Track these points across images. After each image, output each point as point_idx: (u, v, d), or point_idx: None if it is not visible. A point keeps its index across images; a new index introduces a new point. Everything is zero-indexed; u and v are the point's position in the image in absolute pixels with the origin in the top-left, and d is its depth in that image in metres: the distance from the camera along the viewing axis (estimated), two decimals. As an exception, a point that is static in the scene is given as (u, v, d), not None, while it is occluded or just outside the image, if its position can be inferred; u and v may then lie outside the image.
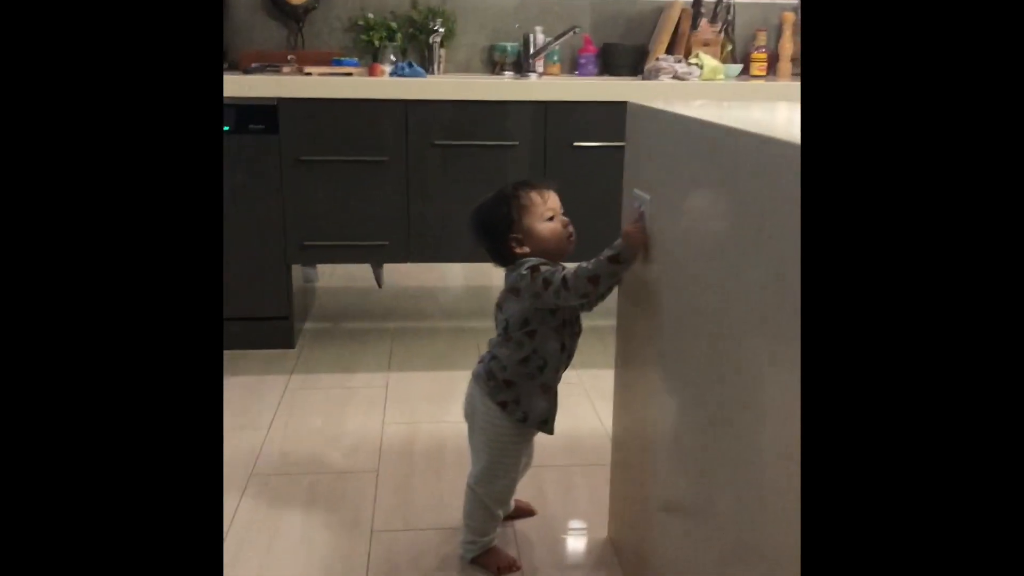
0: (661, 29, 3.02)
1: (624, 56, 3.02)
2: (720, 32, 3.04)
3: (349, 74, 2.60)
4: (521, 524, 1.74)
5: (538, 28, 2.96)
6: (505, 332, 1.50)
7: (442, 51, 2.97)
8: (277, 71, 2.62)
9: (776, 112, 1.36)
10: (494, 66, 3.06)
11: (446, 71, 3.03)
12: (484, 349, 1.58)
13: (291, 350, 2.69)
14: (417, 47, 3.02)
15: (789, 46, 3.07)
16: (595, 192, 2.47)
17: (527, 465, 1.67)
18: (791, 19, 3.10)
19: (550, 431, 1.55)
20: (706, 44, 3.00)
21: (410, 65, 2.68)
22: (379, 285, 3.20)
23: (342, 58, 2.82)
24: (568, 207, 1.54)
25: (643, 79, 2.86)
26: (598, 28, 3.09)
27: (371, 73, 2.68)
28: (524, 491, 1.79)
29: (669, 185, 1.29)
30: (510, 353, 1.49)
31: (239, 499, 1.81)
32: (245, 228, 2.55)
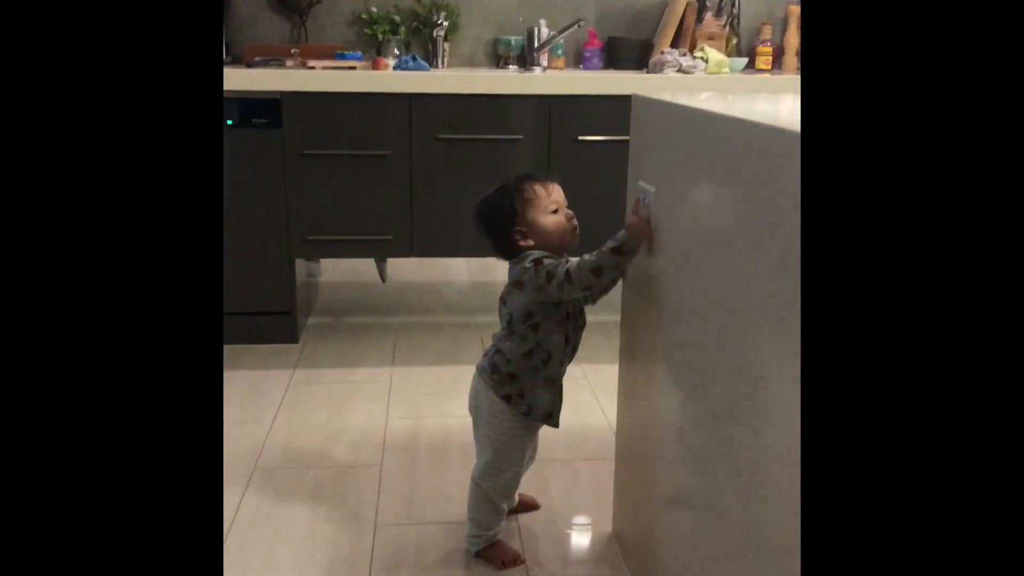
0: (666, 23, 3.01)
1: (629, 50, 3.01)
2: (725, 26, 3.02)
3: (353, 68, 2.59)
4: (525, 518, 1.74)
5: (542, 21, 2.95)
6: (509, 326, 1.49)
7: (446, 45, 2.96)
8: (281, 65, 2.62)
9: (781, 104, 1.35)
10: (498, 60, 3.06)
11: (450, 65, 3.02)
12: (488, 343, 1.57)
13: (294, 345, 2.68)
14: (421, 41, 3.01)
15: (794, 40, 3.06)
16: (600, 186, 2.46)
17: (531, 459, 1.67)
18: (796, 13, 3.09)
19: (555, 424, 1.54)
20: (711, 38, 2.99)
21: (414, 59, 2.68)
22: (383, 280, 3.20)
23: (345, 52, 2.82)
24: (573, 201, 1.53)
25: (648, 73, 2.85)
26: (603, 22, 3.08)
27: (375, 67, 2.67)
28: (528, 485, 1.79)
29: (674, 177, 1.28)
30: (514, 347, 1.48)
31: (243, 493, 1.81)
32: (248, 223, 2.54)
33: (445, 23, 2.93)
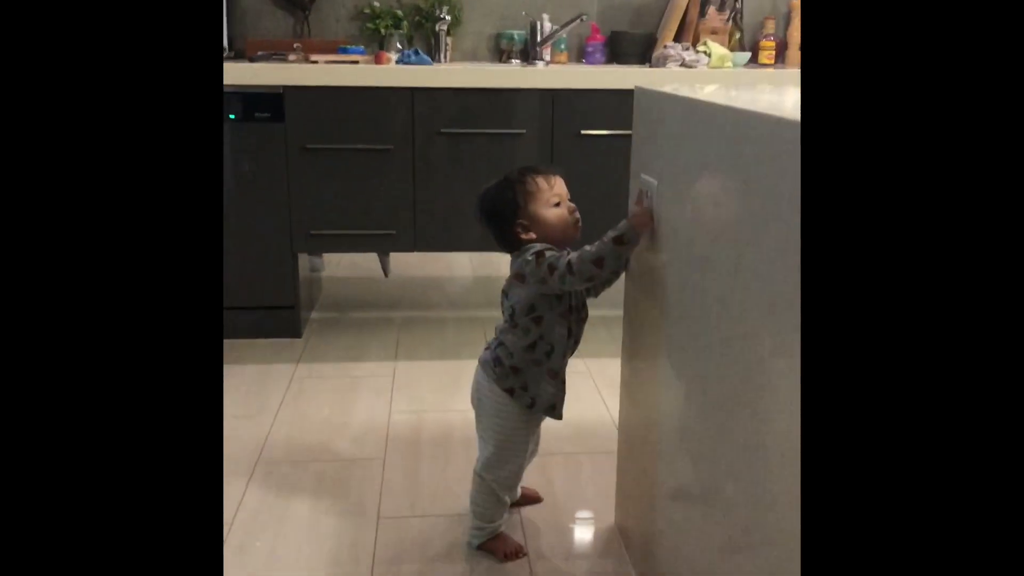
0: (669, 17, 3.01)
1: (632, 44, 3.01)
2: (728, 20, 3.02)
3: (355, 62, 2.59)
4: (528, 511, 1.74)
5: (545, 16, 2.94)
6: (511, 318, 1.49)
7: (448, 39, 2.96)
8: (283, 59, 2.62)
9: (785, 95, 1.35)
10: (501, 54, 3.05)
11: (452, 59, 3.02)
12: (491, 338, 1.57)
13: (298, 339, 2.69)
14: (423, 35, 3.01)
15: (798, 34, 3.05)
16: (602, 180, 2.46)
17: (534, 452, 1.67)
18: (800, 7, 3.08)
19: (558, 416, 1.54)
20: (714, 32, 2.99)
21: (416, 53, 2.68)
22: (386, 274, 3.20)
23: (348, 46, 2.82)
24: (575, 196, 1.53)
25: (650, 67, 2.84)
26: (605, 16, 3.08)
27: (377, 61, 2.67)
28: (531, 478, 1.79)
29: (677, 169, 1.28)
30: (517, 339, 1.48)
31: (246, 487, 1.82)
32: (251, 217, 2.55)
33: (447, 17, 2.92)
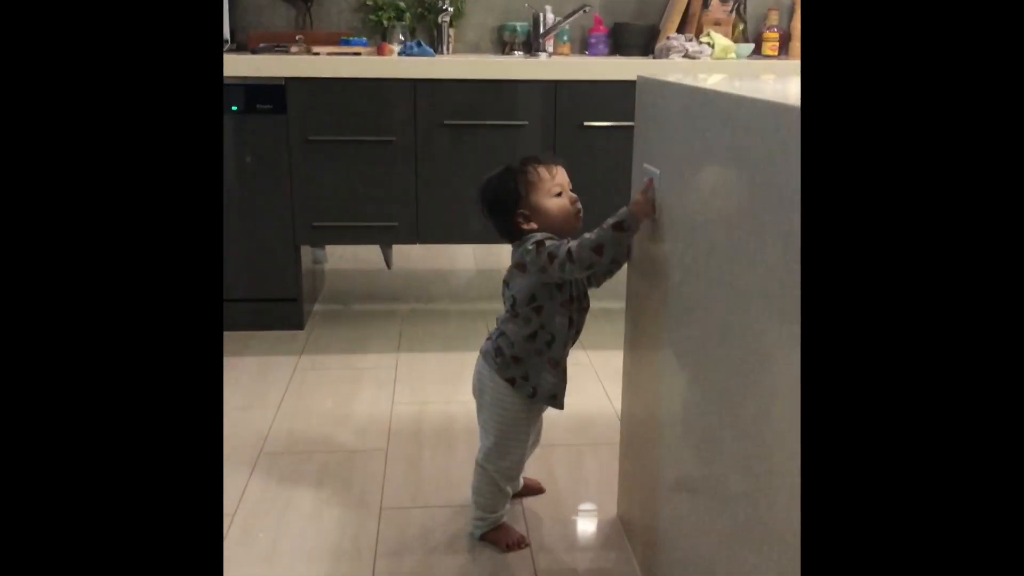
0: (672, 8, 2.99)
1: (635, 36, 3.00)
2: (732, 11, 3.01)
3: (357, 54, 2.58)
4: (530, 502, 1.74)
5: (548, 7, 2.93)
6: (512, 308, 1.49)
7: (451, 31, 2.95)
8: (285, 51, 2.61)
9: (787, 84, 1.34)
10: (504, 46, 3.05)
11: (455, 51, 3.01)
12: (493, 329, 1.57)
13: (300, 331, 2.69)
14: (426, 27, 3.00)
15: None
16: (605, 172, 2.46)
17: (535, 443, 1.66)
18: (804, -3, 3.07)
19: (560, 406, 1.54)
20: (717, 23, 2.97)
21: (419, 45, 2.67)
22: (388, 267, 3.20)
23: (350, 38, 2.81)
24: (578, 187, 1.53)
25: (654, 58, 2.83)
26: (609, 7, 3.07)
27: (380, 53, 2.66)
28: (533, 470, 1.79)
29: (679, 158, 1.27)
30: (518, 329, 1.48)
31: (248, 478, 1.82)
32: (254, 209, 2.55)
33: (450, 9, 2.92)
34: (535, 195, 1.47)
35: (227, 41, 2.83)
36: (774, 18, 3.03)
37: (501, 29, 3.05)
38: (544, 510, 1.72)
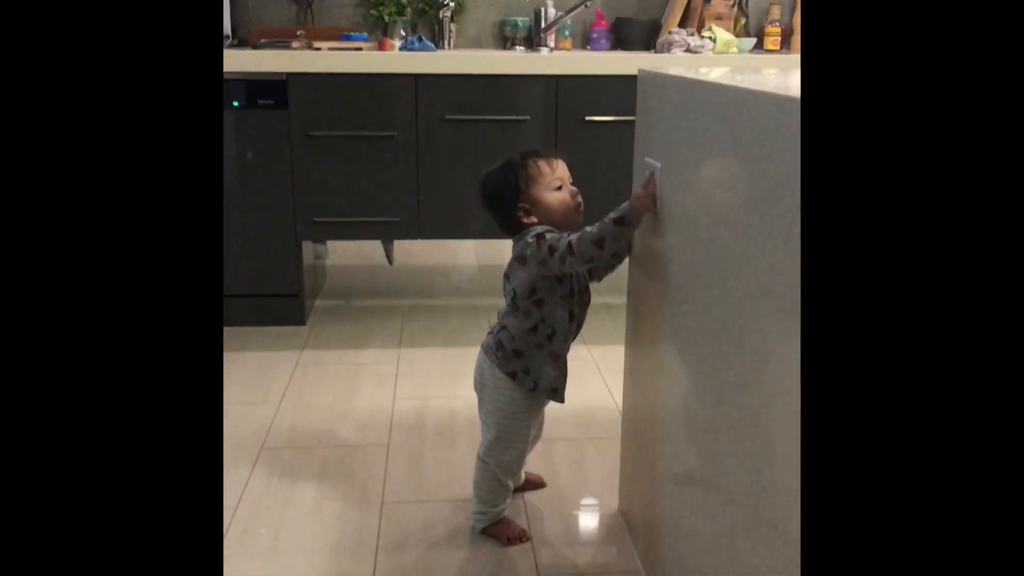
0: (674, 3, 2.99)
1: (637, 30, 2.99)
2: (734, 6, 3.00)
3: (359, 49, 2.58)
4: (531, 496, 1.74)
5: (549, 2, 2.93)
6: (513, 301, 1.49)
7: (452, 26, 2.95)
8: (286, 46, 2.61)
9: (790, 78, 1.34)
10: (505, 41, 3.04)
11: (456, 46, 3.01)
12: (494, 323, 1.57)
13: (302, 327, 2.69)
14: (427, 22, 3.00)
15: (804, 19, 3.03)
16: (607, 167, 2.46)
17: (537, 438, 1.67)
18: (806, -8, 3.06)
19: (561, 400, 1.54)
20: (719, 18, 2.97)
21: (420, 40, 2.67)
22: (390, 262, 3.20)
23: (351, 33, 2.81)
24: (580, 182, 1.53)
25: (655, 53, 2.83)
26: (610, 2, 3.06)
27: (381, 48, 2.66)
28: (535, 464, 1.79)
29: (681, 152, 1.27)
30: (518, 323, 1.48)
31: (250, 473, 1.82)
32: (255, 204, 2.55)
33: (452, 3, 2.91)
34: (535, 189, 1.47)
35: (228, 36, 2.82)
36: (776, 13, 3.03)
37: (502, 24, 3.04)
38: (545, 504, 1.72)
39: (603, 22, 3.00)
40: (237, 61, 2.42)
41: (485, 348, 1.54)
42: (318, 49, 2.55)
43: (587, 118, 2.55)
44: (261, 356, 2.45)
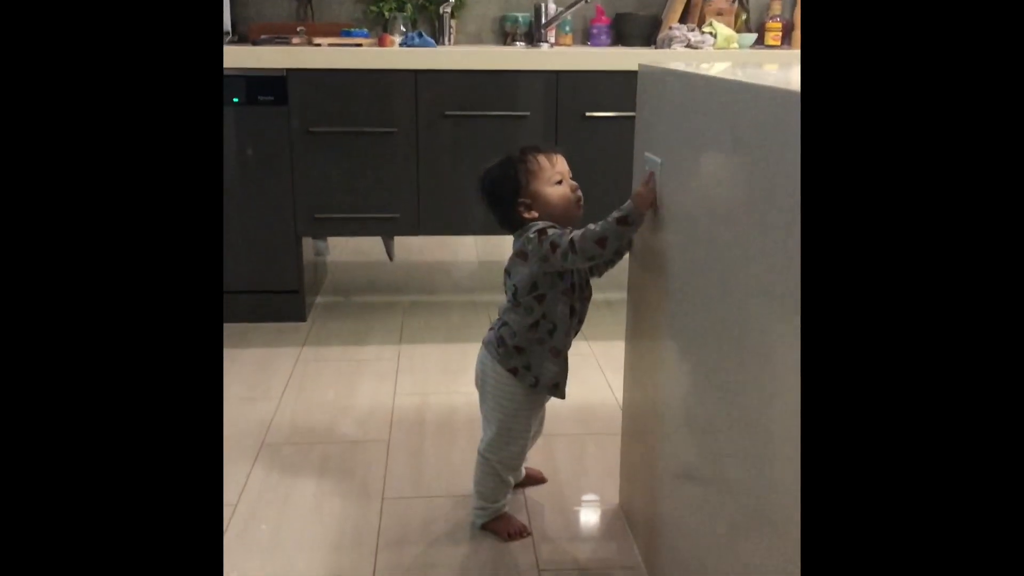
0: (674, -2, 2.98)
1: (637, 26, 2.99)
2: (734, 1, 2.99)
3: (359, 45, 2.57)
4: (532, 491, 1.74)
5: (549, -2, 2.93)
6: (514, 297, 1.49)
7: (453, 22, 2.94)
8: (286, 42, 2.61)
9: (790, 73, 1.34)
10: (505, 37, 3.04)
11: (457, 42, 3.00)
12: (495, 319, 1.57)
13: (303, 323, 2.69)
14: (427, 18, 3.00)
15: (805, 15, 3.03)
16: (607, 162, 2.46)
17: (538, 433, 1.67)
18: (807, -13, 3.05)
19: (562, 395, 1.54)
20: (720, 13, 2.96)
21: (420, 36, 2.66)
22: (390, 258, 3.20)
23: (351, 29, 2.80)
24: (580, 178, 1.52)
25: (656, 48, 2.82)
26: (610, -2, 3.06)
27: (381, 44, 2.66)
28: (535, 459, 1.79)
29: (681, 146, 1.27)
30: (520, 319, 1.48)
31: (250, 469, 1.82)
32: (255, 201, 2.54)
33: (452, 0, 2.91)
34: (536, 183, 1.47)
35: (228, 32, 2.82)
36: (777, 8, 3.02)
37: (503, 20, 3.04)
38: (546, 500, 1.72)
39: (603, 18, 3.00)
40: (237, 57, 2.41)
41: (486, 344, 1.54)
42: (318, 45, 2.55)
43: (587, 114, 2.55)
44: (261, 352, 2.45)
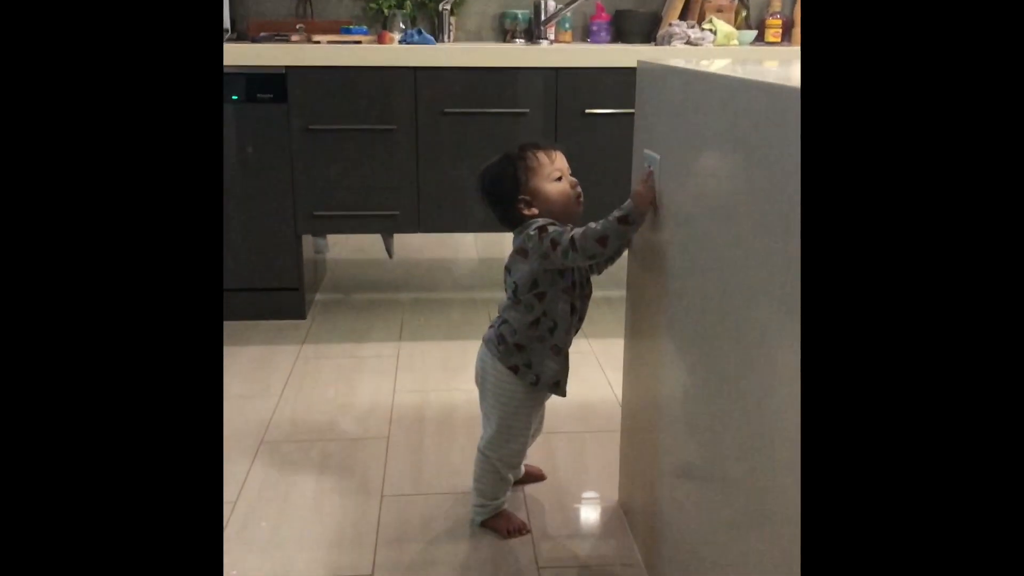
0: (674, -5, 2.98)
1: (637, 23, 2.98)
2: (734, -2, 2.99)
3: (358, 42, 2.57)
4: (531, 488, 1.74)
5: (549, -5, 2.92)
6: (514, 295, 1.49)
7: (452, 19, 2.94)
8: (286, 40, 2.61)
9: (790, 70, 1.34)
10: (505, 34, 3.03)
11: (456, 39, 3.00)
12: (495, 317, 1.57)
13: (302, 321, 2.69)
14: (427, 15, 2.99)
15: (804, 11, 3.02)
16: (607, 159, 2.45)
17: (538, 431, 1.67)
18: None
19: (562, 393, 1.54)
20: (720, 10, 2.96)
21: (419, 33, 2.66)
22: (390, 256, 3.20)
23: (351, 26, 2.80)
24: (580, 175, 1.52)
25: (656, 45, 2.82)
26: (610, -5, 3.05)
27: (380, 41, 2.65)
28: (535, 457, 1.79)
29: (681, 143, 1.27)
30: (520, 316, 1.48)
31: (250, 466, 1.82)
32: (255, 198, 2.54)
33: (451, -3, 2.91)
34: (535, 180, 1.47)
35: (227, 30, 2.82)
36: (777, 5, 3.02)
37: (502, 17, 3.04)
38: (545, 497, 1.72)
39: (603, 15, 3.00)
40: (236, 55, 2.41)
41: (487, 342, 1.54)
42: (317, 42, 2.54)
43: (587, 111, 2.55)
44: (261, 350, 2.45)
